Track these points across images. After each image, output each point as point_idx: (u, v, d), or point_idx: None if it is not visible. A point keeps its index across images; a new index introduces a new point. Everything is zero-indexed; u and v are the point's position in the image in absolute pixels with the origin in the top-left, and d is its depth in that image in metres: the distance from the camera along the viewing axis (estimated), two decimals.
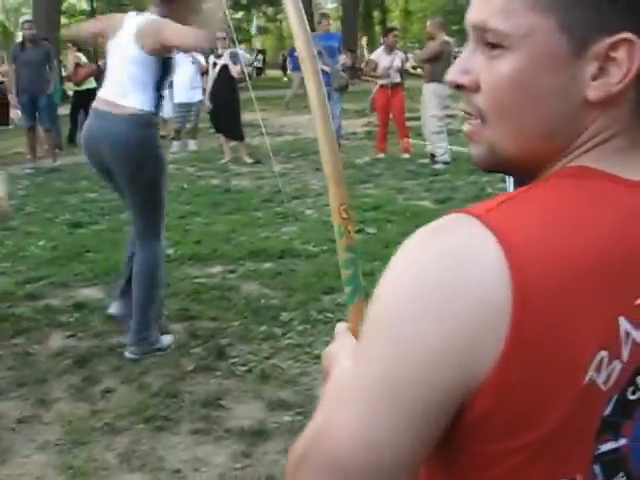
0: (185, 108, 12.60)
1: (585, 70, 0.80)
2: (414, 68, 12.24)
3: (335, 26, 40.03)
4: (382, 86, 11.56)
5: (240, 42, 38.68)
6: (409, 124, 11.97)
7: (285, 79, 26.39)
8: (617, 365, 0.77)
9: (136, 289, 4.35)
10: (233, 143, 11.59)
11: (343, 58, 12.01)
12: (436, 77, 10.40)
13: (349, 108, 18.02)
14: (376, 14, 48.94)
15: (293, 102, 19.82)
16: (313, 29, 11.94)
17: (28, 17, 16.00)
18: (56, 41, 22.06)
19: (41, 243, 6.72)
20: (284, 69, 29.82)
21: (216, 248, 6.40)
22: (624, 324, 0.76)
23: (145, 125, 4.24)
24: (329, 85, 11.47)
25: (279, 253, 6.20)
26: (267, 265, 5.95)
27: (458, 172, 9.74)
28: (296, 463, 0.81)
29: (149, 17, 4.24)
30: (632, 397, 0.80)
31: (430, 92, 10.66)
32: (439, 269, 0.74)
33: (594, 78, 0.80)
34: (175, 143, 12.88)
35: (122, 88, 4.20)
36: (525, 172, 0.88)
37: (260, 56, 39.63)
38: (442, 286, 0.74)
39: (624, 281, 0.77)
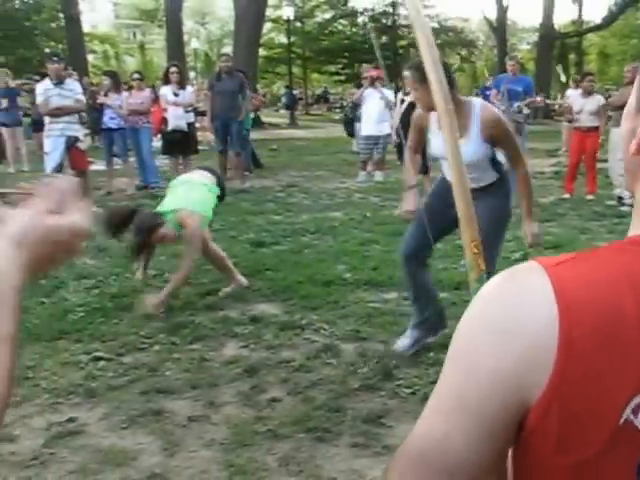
0: (372, 140, 12.94)
1: None
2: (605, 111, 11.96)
3: (529, 67, 39.72)
4: (577, 128, 11.42)
5: None
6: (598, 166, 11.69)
7: None
8: None
9: None
10: (419, 176, 11.66)
11: (527, 101, 11.81)
12: None
13: (538, 147, 17.81)
14: (572, 56, 47.88)
15: None
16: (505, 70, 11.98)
17: (227, 50, 17.02)
18: (254, 71, 23.18)
19: None
20: None
21: (392, 275, 6.42)
22: None
23: None
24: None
25: (455, 284, 6.14)
26: (442, 295, 5.91)
27: None
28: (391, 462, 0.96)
29: None
30: None
31: (619, 136, 10.28)
32: (498, 308, 0.89)
33: None
34: (362, 173, 13.20)
35: None
36: None
37: None
38: (503, 323, 0.87)
39: None
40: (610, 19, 40.00)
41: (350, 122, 15.58)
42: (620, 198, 10.39)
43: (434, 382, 3.47)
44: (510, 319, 0.87)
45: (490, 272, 4.14)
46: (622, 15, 40.86)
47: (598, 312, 0.84)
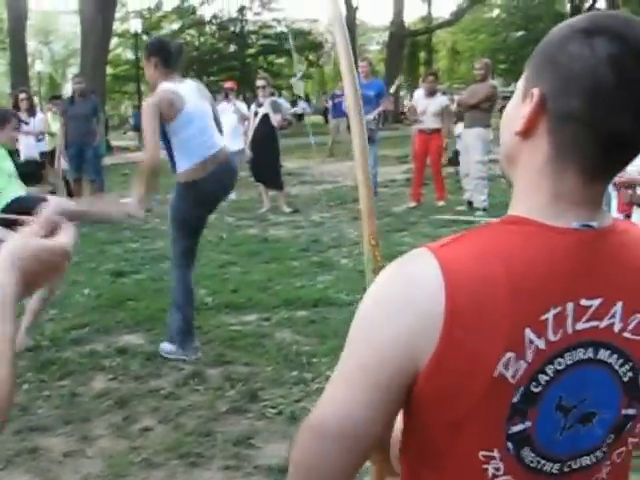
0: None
1: None
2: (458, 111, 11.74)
3: (380, 68, 40.50)
4: (420, 131, 11.38)
5: (282, 88, 39.43)
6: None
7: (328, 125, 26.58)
8: (522, 364, 1.04)
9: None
10: (272, 192, 11.81)
11: (382, 105, 11.92)
12: (482, 122, 10.38)
13: (389, 154, 18.00)
14: (422, 54, 48.90)
15: (335, 149, 19.85)
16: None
17: (73, 70, 16.71)
18: (102, 91, 22.70)
19: (86, 291, 7.09)
20: (325, 115, 29.83)
21: (252, 297, 6.68)
22: (529, 334, 1.04)
23: None
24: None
25: (313, 302, 6.43)
26: (301, 313, 6.20)
27: (493, 218, 9.85)
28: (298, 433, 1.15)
29: None
30: (535, 390, 1.07)
31: (474, 137, 10.55)
32: (395, 287, 1.09)
33: None
34: None
35: None
36: None
37: (301, 102, 40.14)
38: (396, 299, 1.08)
39: (532, 301, 1.05)
40: (459, 13, 41.11)
41: None
42: (470, 203, 10.66)
43: (299, 400, 3.87)
44: (404, 294, 1.06)
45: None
46: (470, 10, 42.18)
47: (476, 281, 1.03)
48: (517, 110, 1.13)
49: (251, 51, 44.74)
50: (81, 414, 4.46)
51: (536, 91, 1.08)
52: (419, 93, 11.98)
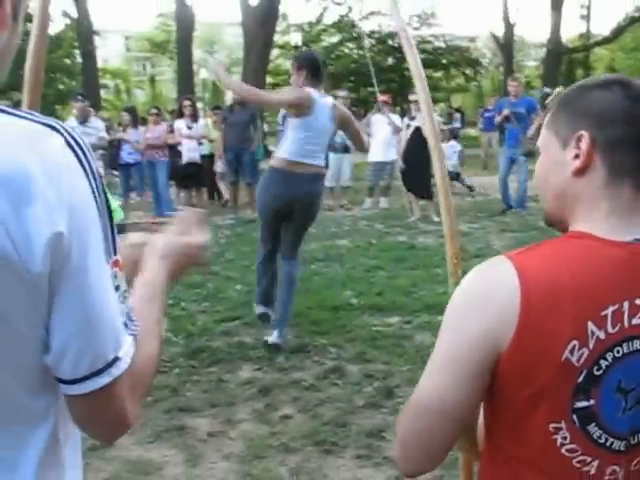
0: (379, 167, 13.05)
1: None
2: None
3: (536, 84, 39.57)
4: None
5: (439, 101, 39.29)
6: None
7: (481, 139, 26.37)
8: (585, 351, 1.23)
9: (285, 294, 5.66)
10: (423, 202, 11.92)
11: (536, 121, 11.86)
12: None
13: None
14: (579, 71, 47.48)
15: (487, 162, 19.94)
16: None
17: (236, 78, 17.35)
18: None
19: (238, 287, 7.44)
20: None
21: (395, 300, 6.82)
22: (591, 326, 1.23)
23: None
24: (515, 148, 11.58)
25: None
26: (441, 318, 6.22)
27: None
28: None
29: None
30: (597, 373, 1.25)
31: None
32: (480, 285, 1.30)
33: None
34: (367, 200, 13.41)
35: None
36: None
37: (457, 114, 39.81)
38: (481, 295, 1.28)
39: (593, 300, 1.24)
40: (618, 31, 39.78)
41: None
42: None
43: None
44: (486, 290, 1.26)
45: None
46: (630, 28, 40.85)
47: (545, 282, 1.23)
48: (560, 158, 1.34)
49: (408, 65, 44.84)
50: (226, 399, 4.73)
51: (585, 134, 1.30)
52: None
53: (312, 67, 5.50)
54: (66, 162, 1.01)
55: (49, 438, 1.09)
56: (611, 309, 1.24)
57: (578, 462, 1.29)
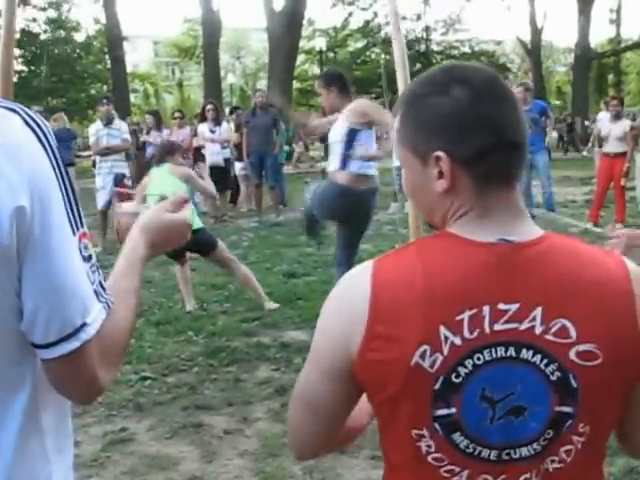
0: None
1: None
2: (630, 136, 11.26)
3: (566, 89, 38.94)
4: (604, 154, 11.26)
5: None
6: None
7: None
8: (439, 356, 1.19)
9: None
10: None
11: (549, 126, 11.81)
12: None
13: (573, 175, 17.75)
14: (610, 76, 46.77)
15: None
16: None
17: (262, 83, 17.40)
18: (289, 103, 23.47)
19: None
20: None
21: None
22: (443, 330, 1.19)
23: None
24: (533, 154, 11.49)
25: None
26: None
27: None
28: None
29: None
30: (456, 380, 1.20)
31: None
32: (342, 288, 1.30)
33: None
34: (393, 205, 13.35)
35: None
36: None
37: None
38: (340, 298, 1.29)
39: (447, 302, 1.20)
40: None
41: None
42: None
43: None
44: (344, 294, 1.28)
45: None
46: None
47: (397, 286, 1.21)
48: (424, 177, 1.28)
49: None
50: (243, 398, 4.79)
51: (440, 153, 1.24)
52: (603, 116, 11.76)
53: (339, 83, 5.76)
54: (25, 139, 1.08)
55: (28, 404, 1.16)
56: (468, 313, 1.19)
57: (446, 472, 1.25)
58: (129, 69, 38.53)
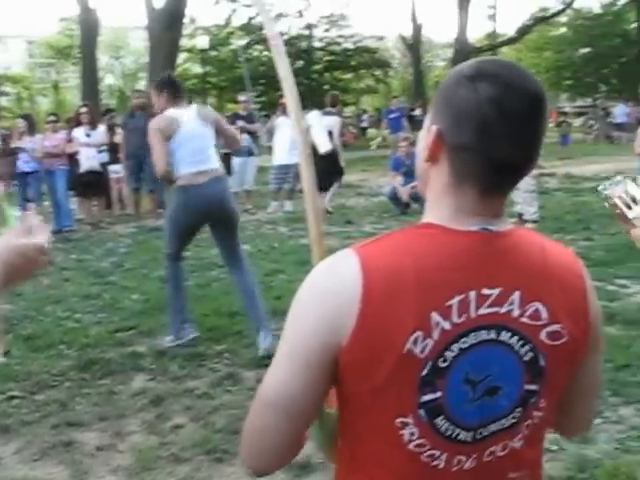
0: (284, 170, 12.79)
1: None
2: None
3: None
4: None
5: (348, 104, 39.48)
6: None
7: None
8: (430, 342, 1.22)
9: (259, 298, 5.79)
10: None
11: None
12: None
13: None
14: None
15: None
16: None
17: (143, 84, 17.09)
18: None
19: (134, 296, 7.34)
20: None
21: None
22: (435, 316, 1.22)
23: None
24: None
25: None
26: None
27: (543, 231, 9.79)
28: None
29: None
30: (442, 365, 1.23)
31: None
32: (321, 279, 1.28)
33: None
34: (273, 204, 13.31)
35: None
36: None
37: (365, 116, 40.17)
38: (321, 289, 1.27)
39: (438, 289, 1.23)
40: (523, 31, 41.09)
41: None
42: (520, 215, 10.77)
43: None
44: (327, 284, 1.25)
45: None
46: (535, 28, 41.94)
47: (387, 273, 1.22)
48: (423, 140, 1.34)
49: (317, 67, 45.07)
50: (117, 411, 4.66)
51: (434, 128, 1.28)
52: None
53: (170, 87, 5.86)
54: None
55: None
56: (457, 299, 1.23)
57: (427, 457, 1.28)
58: (0, 71, 37.18)
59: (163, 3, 27.14)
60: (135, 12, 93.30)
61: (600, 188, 2.30)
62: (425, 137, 1.32)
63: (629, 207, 1.98)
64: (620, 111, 32.15)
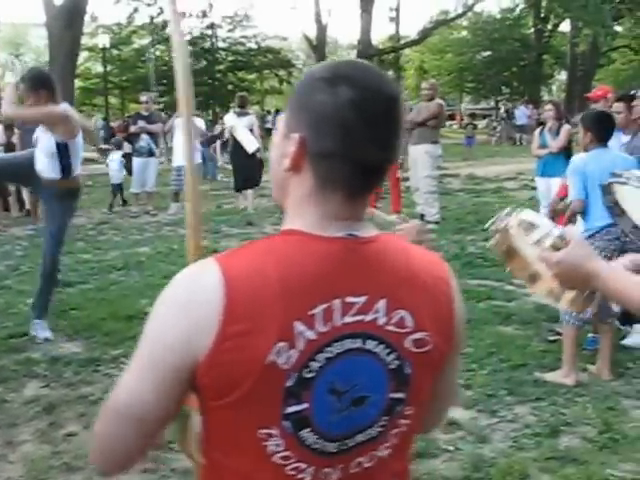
0: (184, 171, 12.66)
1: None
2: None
3: None
4: None
5: (252, 104, 39.45)
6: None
7: None
8: (294, 353, 1.19)
9: None
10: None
11: None
12: (430, 138, 10.78)
13: None
14: (390, 72, 48.92)
15: None
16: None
17: None
18: (70, 104, 22.56)
19: (30, 301, 7.09)
20: None
21: None
22: (298, 326, 1.19)
23: None
24: None
25: None
26: None
27: (444, 231, 10.10)
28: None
29: None
30: (307, 375, 1.21)
31: (421, 153, 10.88)
32: (181, 290, 1.23)
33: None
34: (173, 205, 13.12)
35: None
36: None
37: (271, 117, 40.14)
38: (180, 300, 1.22)
39: (301, 298, 1.20)
40: (424, 34, 41.75)
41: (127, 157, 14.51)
42: (422, 216, 10.79)
43: None
44: (187, 294, 1.20)
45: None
46: (437, 30, 42.75)
47: (250, 280, 1.19)
48: (281, 148, 1.30)
49: (221, 67, 44.87)
50: (8, 420, 4.53)
51: (296, 136, 1.25)
52: None
53: (48, 85, 5.89)
54: None
55: None
56: (321, 307, 1.21)
57: (292, 470, 1.25)
58: None
59: (62, 0, 26.48)
60: (34, 8, 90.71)
61: (487, 226, 2.30)
62: (282, 144, 1.29)
63: (531, 231, 2.00)
64: (521, 113, 33.16)
